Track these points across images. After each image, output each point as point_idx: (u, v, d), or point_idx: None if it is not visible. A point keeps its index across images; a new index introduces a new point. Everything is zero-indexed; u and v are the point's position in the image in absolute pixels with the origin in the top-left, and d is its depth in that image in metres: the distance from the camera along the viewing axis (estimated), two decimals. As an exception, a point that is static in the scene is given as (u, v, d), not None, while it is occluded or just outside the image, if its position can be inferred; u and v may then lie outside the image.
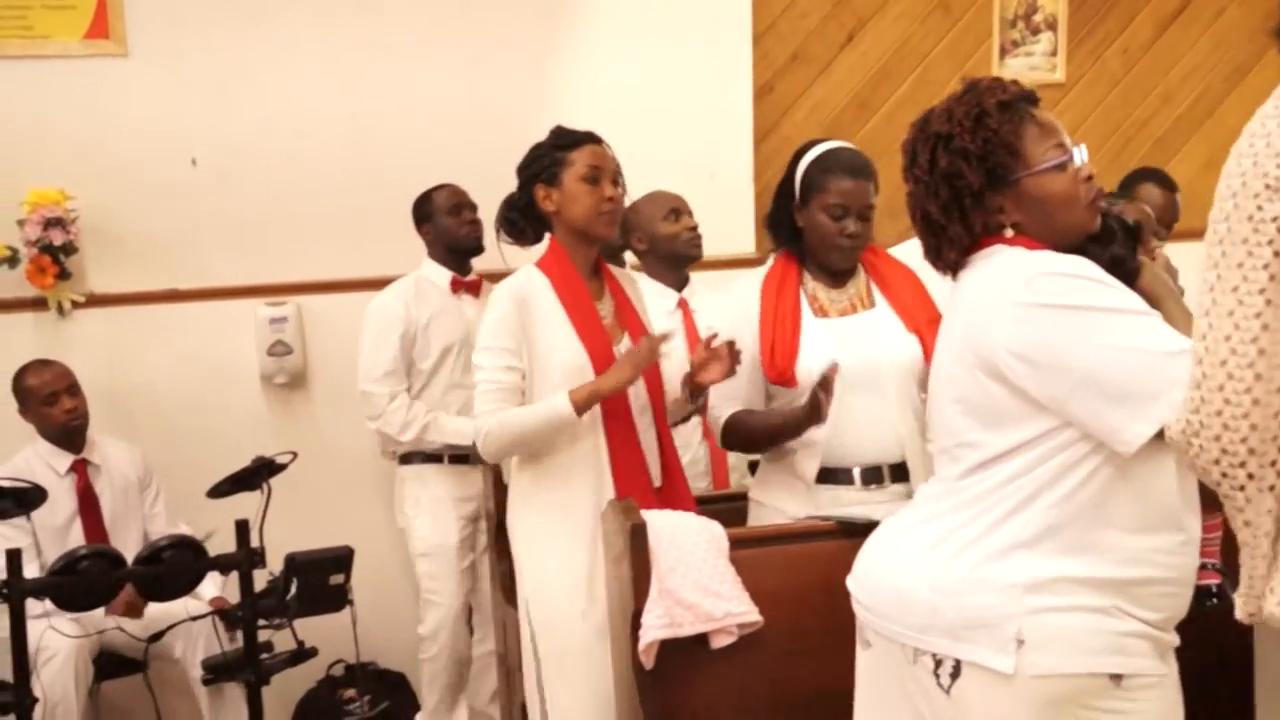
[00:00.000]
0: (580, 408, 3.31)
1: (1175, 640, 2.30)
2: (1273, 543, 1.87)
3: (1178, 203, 4.78)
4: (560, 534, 3.40)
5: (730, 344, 3.30)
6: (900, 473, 3.37)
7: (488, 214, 4.71)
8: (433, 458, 4.69)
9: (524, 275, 3.46)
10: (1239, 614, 1.93)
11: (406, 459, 4.72)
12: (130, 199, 4.88)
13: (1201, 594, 2.40)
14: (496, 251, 4.16)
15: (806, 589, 2.96)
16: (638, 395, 3.45)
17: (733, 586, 2.95)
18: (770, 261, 3.48)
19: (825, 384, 3.16)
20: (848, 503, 3.28)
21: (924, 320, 3.35)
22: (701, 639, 2.93)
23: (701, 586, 2.91)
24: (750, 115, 5.42)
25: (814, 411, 3.18)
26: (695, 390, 3.43)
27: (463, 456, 4.68)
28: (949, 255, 2.44)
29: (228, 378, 5.01)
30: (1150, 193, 4.68)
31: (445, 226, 4.70)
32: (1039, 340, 2.21)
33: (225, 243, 4.98)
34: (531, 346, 3.39)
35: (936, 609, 2.27)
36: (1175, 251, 4.73)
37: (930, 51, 5.76)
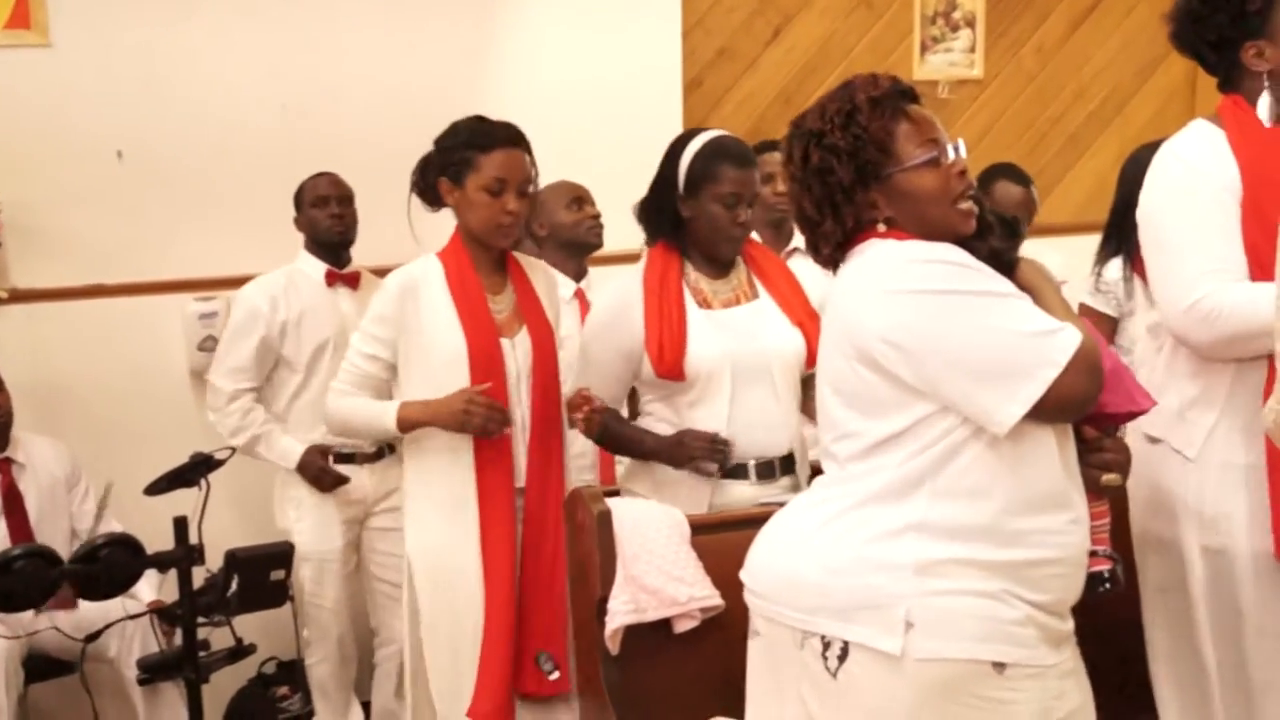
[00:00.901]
0: (404, 426, 3.43)
1: (1067, 627, 2.35)
2: None
3: (1034, 197, 4.86)
4: (438, 522, 3.46)
5: (588, 404, 3.31)
6: (788, 465, 3.41)
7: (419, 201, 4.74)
8: None
9: (421, 263, 3.49)
10: None
11: None
12: (54, 193, 4.78)
13: (1093, 580, 2.44)
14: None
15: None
16: (515, 396, 3.47)
17: (695, 571, 2.99)
18: (645, 255, 3.46)
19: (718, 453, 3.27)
20: (743, 498, 3.31)
21: (805, 314, 3.39)
22: (665, 624, 2.97)
23: (665, 572, 2.95)
24: (680, 110, 5.43)
25: (687, 459, 3.28)
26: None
27: (347, 457, 4.58)
28: (825, 250, 2.48)
29: (157, 374, 4.93)
30: (1007, 189, 4.74)
31: (310, 218, 4.64)
32: (909, 325, 2.25)
33: (153, 237, 4.89)
34: (413, 335, 3.43)
35: (827, 590, 2.30)
36: (1087, 244, 4.86)
37: (854, 47, 5.82)
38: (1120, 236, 4.07)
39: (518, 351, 3.46)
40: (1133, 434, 2.78)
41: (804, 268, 3.79)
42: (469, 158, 3.39)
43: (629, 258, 4.44)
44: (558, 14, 5.28)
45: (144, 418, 4.88)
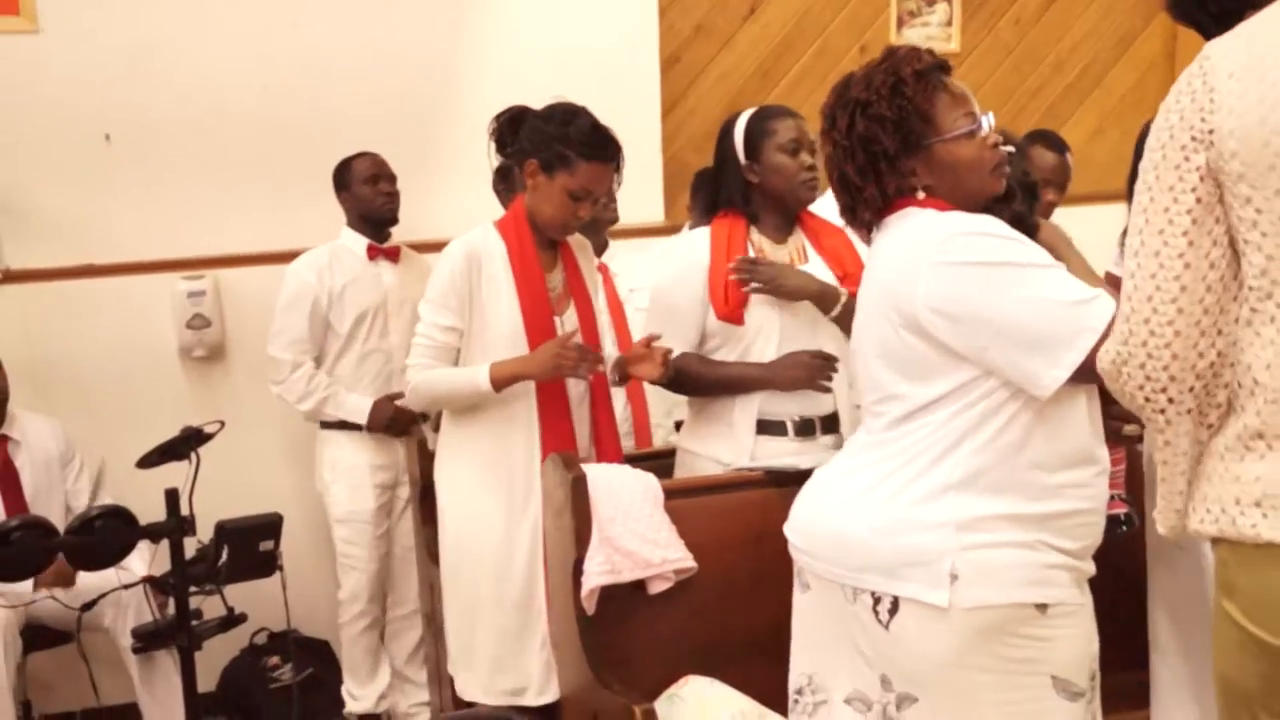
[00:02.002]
0: (499, 385, 3.45)
1: (1092, 569, 2.48)
2: (1191, 465, 2.05)
3: (1069, 163, 4.96)
4: (486, 489, 3.55)
5: (666, 351, 3.44)
6: (830, 424, 3.54)
7: (402, 178, 4.81)
8: (354, 425, 4.75)
9: (481, 234, 3.57)
10: (1160, 528, 2.12)
11: (328, 424, 4.78)
12: (45, 175, 4.87)
13: (1112, 523, 2.59)
14: (418, 220, 4.40)
15: (737, 536, 3.11)
16: None
17: (669, 534, 3.10)
18: (691, 224, 3.60)
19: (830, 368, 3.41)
20: (782, 453, 3.43)
21: (853, 271, 3.50)
22: (639, 585, 3.09)
23: (639, 535, 3.05)
24: (658, 86, 5.50)
25: (807, 375, 3.38)
26: (624, 377, 3.62)
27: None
28: (864, 215, 2.58)
29: (146, 352, 5.02)
30: (1042, 155, 4.86)
31: (362, 196, 4.76)
32: (958, 296, 2.36)
33: (141, 218, 4.97)
34: (474, 306, 3.51)
35: (874, 549, 2.42)
36: (1066, 215, 4.95)
37: (830, 23, 5.87)
38: None
39: (567, 328, 3.56)
40: None
41: None
42: (570, 157, 3.44)
43: (628, 233, 4.57)
44: (536, -4, 5.34)
45: (134, 394, 4.98)
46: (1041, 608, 2.37)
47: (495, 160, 3.74)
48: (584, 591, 3.04)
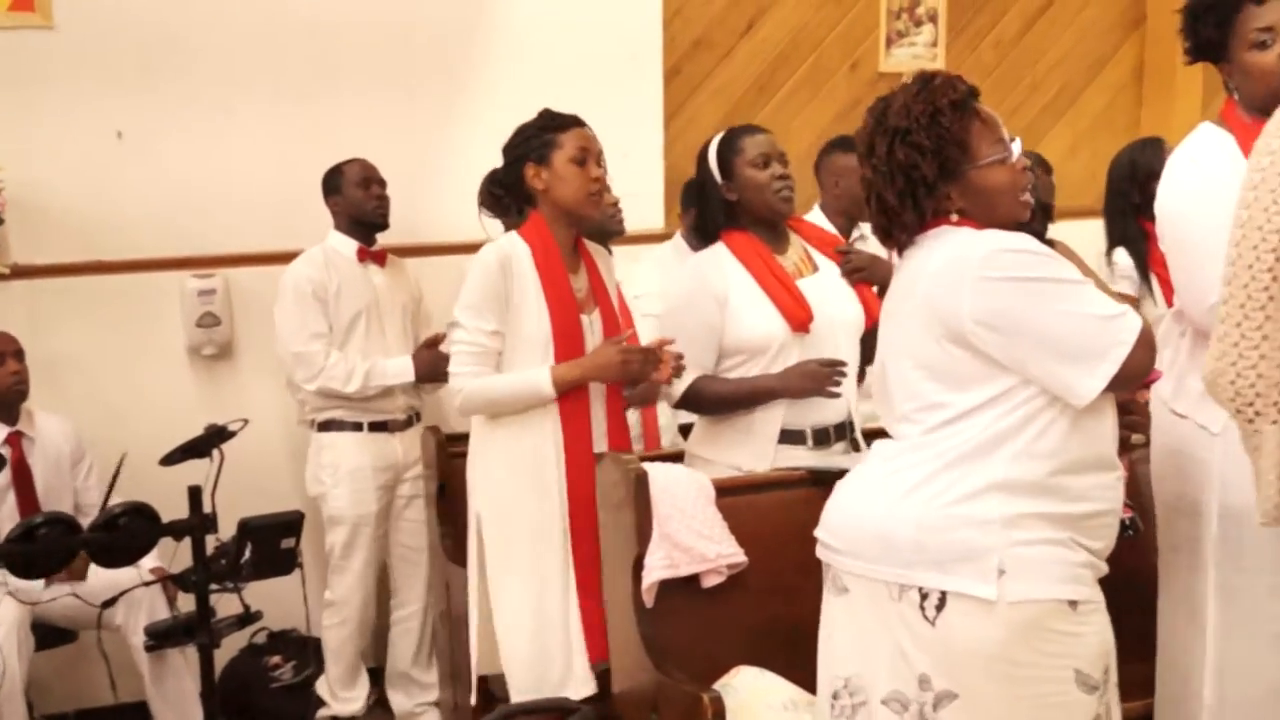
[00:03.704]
0: (561, 389, 3.50)
1: (1106, 569, 2.62)
2: (1276, 464, 2.30)
3: (1053, 184, 5.09)
4: (516, 485, 3.57)
5: (679, 356, 3.53)
6: (842, 431, 3.65)
7: (408, 183, 4.89)
8: (352, 426, 4.76)
9: (508, 241, 3.61)
10: (1259, 519, 2.36)
11: (325, 426, 4.78)
12: (56, 171, 4.87)
13: (1121, 527, 2.72)
14: (431, 222, 4.71)
15: (783, 533, 3.19)
16: None
17: (722, 530, 3.19)
18: (680, 243, 3.69)
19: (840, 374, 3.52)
20: (802, 461, 3.52)
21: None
22: (692, 578, 3.16)
23: (695, 531, 3.15)
24: (660, 96, 5.60)
25: (815, 384, 3.50)
26: (645, 398, 3.72)
27: (381, 424, 4.79)
28: (900, 236, 2.70)
29: (155, 349, 5.03)
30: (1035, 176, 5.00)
31: (354, 199, 4.79)
32: (1001, 309, 2.50)
33: (151, 216, 4.99)
34: (508, 309, 3.55)
35: (922, 546, 2.52)
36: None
37: (824, 40, 6.04)
38: (1117, 227, 4.37)
39: (595, 328, 3.63)
40: (1158, 409, 3.04)
41: None
42: (550, 139, 3.55)
43: (629, 239, 4.66)
44: (545, 8, 5.41)
45: (142, 392, 4.98)
46: (1073, 604, 2.51)
47: (492, 229, 3.83)
48: (644, 585, 3.12)
